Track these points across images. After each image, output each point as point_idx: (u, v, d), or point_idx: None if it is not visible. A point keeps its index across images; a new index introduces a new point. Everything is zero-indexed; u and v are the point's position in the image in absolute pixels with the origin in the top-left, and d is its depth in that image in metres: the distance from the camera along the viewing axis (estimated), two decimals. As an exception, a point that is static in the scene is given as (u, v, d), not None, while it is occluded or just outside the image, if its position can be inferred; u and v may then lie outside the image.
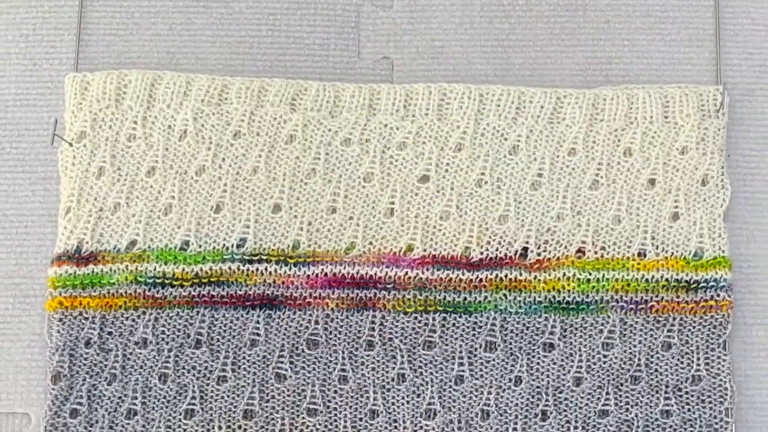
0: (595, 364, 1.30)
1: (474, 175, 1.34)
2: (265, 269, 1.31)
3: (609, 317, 1.31)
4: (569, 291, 1.31)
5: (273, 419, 1.28)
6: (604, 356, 1.30)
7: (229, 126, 1.34)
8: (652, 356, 1.30)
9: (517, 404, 1.29)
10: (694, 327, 1.30)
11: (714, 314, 1.30)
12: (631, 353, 1.30)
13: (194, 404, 1.28)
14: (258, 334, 1.30)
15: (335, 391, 1.29)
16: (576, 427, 1.29)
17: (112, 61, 1.38)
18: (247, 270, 1.31)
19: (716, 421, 1.28)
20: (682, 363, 1.30)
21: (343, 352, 1.30)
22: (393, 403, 1.29)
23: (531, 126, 1.35)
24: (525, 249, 1.33)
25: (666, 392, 1.29)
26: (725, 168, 1.34)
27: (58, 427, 1.27)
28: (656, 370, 1.30)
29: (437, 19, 1.39)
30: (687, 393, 1.29)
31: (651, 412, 1.29)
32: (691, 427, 1.28)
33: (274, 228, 1.33)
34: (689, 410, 1.29)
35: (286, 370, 1.29)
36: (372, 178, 1.34)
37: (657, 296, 1.31)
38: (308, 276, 1.30)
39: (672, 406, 1.29)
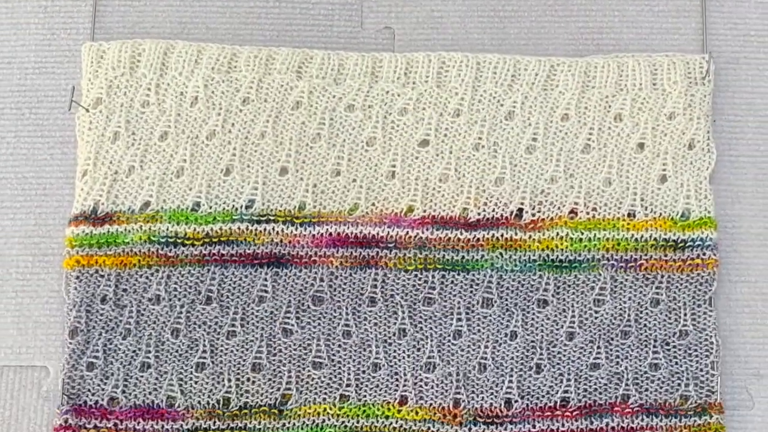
0: (587, 319, 1.26)
1: (471, 139, 1.30)
2: (273, 229, 1.26)
3: (600, 275, 1.27)
4: (562, 250, 1.27)
5: (280, 372, 1.24)
6: (596, 312, 1.26)
7: (238, 92, 1.30)
8: (641, 312, 1.26)
9: (512, 358, 1.25)
10: (681, 284, 1.26)
11: (700, 272, 1.26)
12: (621, 309, 1.26)
13: (205, 357, 1.24)
14: (266, 291, 1.25)
15: (339, 346, 1.25)
16: (569, 380, 1.24)
17: (127, 31, 1.33)
18: (256, 230, 1.26)
19: (702, 374, 1.24)
20: (669, 318, 1.26)
21: (346, 308, 1.26)
22: (394, 357, 1.25)
23: (526, 93, 1.31)
24: (520, 210, 1.29)
25: (654, 346, 1.25)
26: (711, 132, 1.30)
27: (75, 379, 1.23)
28: (645, 325, 1.26)
29: (437, -9, 1.30)
30: (674, 347, 1.25)
31: (640, 365, 1.25)
32: (679, 379, 1.24)
33: (281, 190, 1.28)
34: (676, 363, 1.24)
35: (293, 325, 1.25)
36: (374, 143, 1.30)
37: (646, 255, 1.27)
38: (313, 235, 1.26)
39: (660, 359, 1.25)
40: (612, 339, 1.25)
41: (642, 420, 1.23)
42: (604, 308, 1.26)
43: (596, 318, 1.26)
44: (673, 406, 1.24)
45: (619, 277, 1.27)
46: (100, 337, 1.24)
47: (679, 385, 1.24)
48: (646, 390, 1.24)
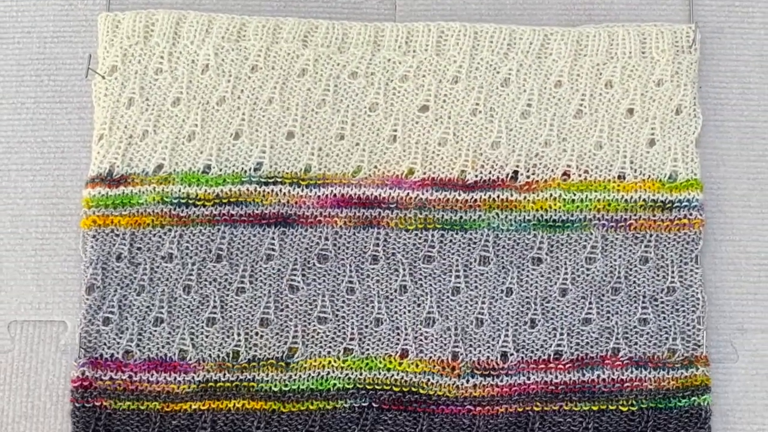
0: (579, 276, 1.22)
1: (469, 105, 1.25)
2: (280, 190, 1.22)
3: (592, 234, 1.22)
4: (556, 210, 1.23)
5: (287, 327, 1.19)
6: (588, 269, 1.22)
7: (247, 60, 1.25)
8: (630, 269, 1.22)
9: (508, 313, 1.21)
10: (669, 243, 1.22)
11: (687, 231, 1.22)
12: (611, 267, 1.22)
13: (215, 313, 1.20)
14: (273, 250, 1.21)
15: (343, 301, 1.20)
16: (562, 334, 1.20)
17: (141, 2, 1.28)
18: (264, 191, 1.22)
19: (689, 328, 1.20)
20: (658, 276, 1.21)
21: (350, 266, 1.21)
22: (396, 312, 1.20)
23: (521, 60, 1.26)
24: (515, 172, 1.24)
25: (643, 302, 1.21)
26: (697, 98, 1.26)
27: (91, 333, 1.19)
28: (634, 282, 1.22)
29: (436, -37, 1.26)
30: (662, 303, 1.21)
31: (630, 320, 1.21)
32: (666, 333, 1.20)
33: (287, 153, 1.24)
34: (664, 318, 1.20)
35: (299, 282, 1.20)
36: (377, 108, 1.25)
37: (635, 215, 1.22)
38: (319, 197, 1.22)
39: (649, 314, 1.21)
40: (603, 295, 1.21)
41: (631, 372, 1.19)
42: (595, 266, 1.22)
43: (588, 275, 1.22)
44: (661, 359, 1.19)
45: (610, 236, 1.22)
46: (116, 294, 1.20)
47: (666, 339, 1.20)
48: (636, 344, 1.20)
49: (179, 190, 1.22)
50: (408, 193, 1.22)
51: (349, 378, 1.18)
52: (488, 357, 1.20)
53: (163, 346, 1.19)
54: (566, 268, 1.22)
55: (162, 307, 1.20)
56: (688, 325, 1.20)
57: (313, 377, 1.18)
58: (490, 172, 1.24)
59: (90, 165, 1.23)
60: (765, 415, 1.20)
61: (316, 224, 1.22)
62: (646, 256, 1.22)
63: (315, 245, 1.21)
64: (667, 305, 1.21)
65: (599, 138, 1.25)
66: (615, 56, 1.26)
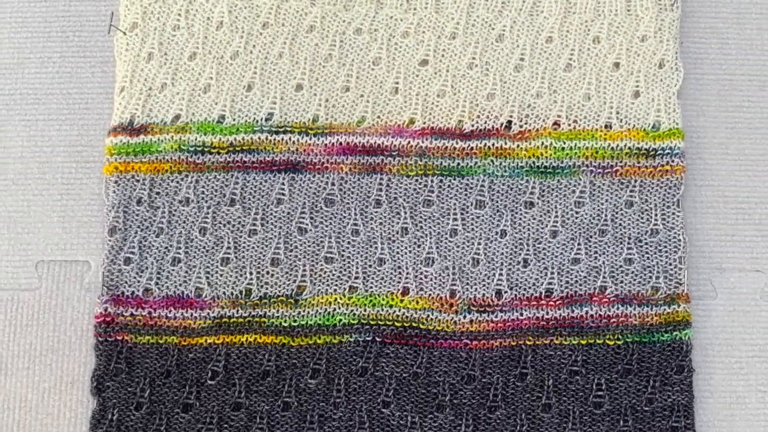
0: (568, 219, 1.14)
1: (466, 59, 1.18)
2: (289, 139, 1.15)
3: (580, 179, 1.15)
4: (547, 157, 1.15)
5: (296, 266, 1.12)
6: (576, 212, 1.15)
7: (258, 18, 1.17)
8: (617, 213, 1.15)
9: (502, 253, 1.14)
10: (652, 188, 1.15)
11: (669, 177, 1.15)
12: (599, 210, 1.14)
13: (229, 253, 1.12)
14: (283, 194, 1.14)
15: (348, 243, 1.13)
16: (552, 273, 1.13)
17: None
18: (274, 140, 1.15)
19: (671, 268, 1.13)
20: (642, 218, 1.14)
21: (355, 209, 1.14)
22: (397, 253, 1.13)
23: (514, 18, 1.18)
24: (509, 122, 1.17)
25: (629, 243, 1.14)
26: (678, 53, 1.18)
27: (113, 272, 1.12)
28: (620, 225, 1.14)
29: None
30: (646, 244, 1.13)
31: (616, 260, 1.13)
32: (650, 272, 1.13)
33: (296, 104, 1.16)
34: (648, 258, 1.13)
35: (307, 224, 1.13)
36: (380, 62, 1.18)
37: (621, 162, 1.15)
38: (326, 145, 1.15)
39: (633, 254, 1.13)
40: (591, 237, 1.14)
41: (617, 309, 1.12)
42: (583, 209, 1.15)
43: (577, 218, 1.14)
44: (645, 296, 1.12)
45: (597, 182, 1.15)
46: (136, 235, 1.13)
47: (650, 277, 1.13)
48: (621, 282, 1.13)
49: (195, 139, 1.15)
50: (409, 142, 1.15)
51: (354, 314, 1.11)
52: (484, 294, 1.13)
53: (180, 284, 1.12)
54: (556, 212, 1.15)
55: (179, 248, 1.13)
56: (670, 264, 1.13)
57: (320, 313, 1.11)
58: (485, 122, 1.17)
59: (112, 115, 1.16)
60: (741, 348, 1.13)
61: (323, 170, 1.15)
62: (631, 200, 1.15)
63: (322, 190, 1.14)
64: (651, 246, 1.14)
65: (587, 90, 1.17)
66: (602, 14, 1.18)
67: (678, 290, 1.13)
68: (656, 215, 1.14)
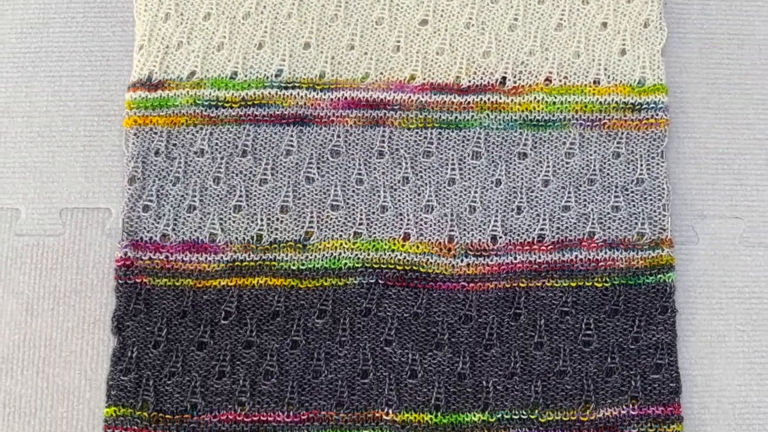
0: (559, 169, 1.06)
1: (463, 19, 1.09)
2: (298, 94, 1.06)
3: (570, 132, 1.06)
4: (539, 111, 1.07)
5: (304, 213, 1.04)
6: (567, 163, 1.06)
7: None
8: (604, 163, 1.06)
9: (497, 201, 1.05)
10: (638, 140, 1.06)
11: (654, 129, 1.06)
12: (588, 160, 1.06)
13: (241, 201, 1.04)
14: (292, 146, 1.06)
15: (353, 191, 1.05)
16: (544, 220, 1.04)
17: None
18: (284, 95, 1.06)
19: (655, 214, 1.04)
20: (628, 168, 1.06)
21: (359, 160, 1.06)
22: (399, 200, 1.05)
23: None
24: (504, 78, 1.08)
25: (616, 192, 1.05)
26: (662, 13, 1.09)
27: (133, 219, 1.04)
28: (608, 174, 1.06)
29: None
30: (632, 192, 1.05)
31: (604, 208, 1.05)
32: (636, 219, 1.04)
33: (304, 61, 1.08)
34: (634, 206, 1.05)
35: (314, 174, 1.05)
36: (382, 22, 1.09)
37: (609, 115, 1.07)
38: (332, 99, 1.06)
39: (620, 202, 1.05)
40: (580, 185, 1.05)
41: (605, 253, 1.04)
42: (573, 160, 1.06)
43: (567, 168, 1.06)
44: (631, 242, 1.04)
45: (586, 134, 1.07)
46: (154, 184, 1.04)
47: (636, 223, 1.05)
48: (609, 228, 1.04)
49: (209, 94, 1.06)
50: (410, 96, 1.07)
51: (358, 258, 1.03)
52: (480, 240, 1.04)
53: (195, 230, 1.04)
54: (548, 162, 1.06)
55: (194, 196, 1.04)
56: (654, 211, 1.05)
57: (326, 257, 1.03)
58: (481, 78, 1.08)
59: (131, 72, 1.07)
60: (722, 290, 1.05)
61: (329, 123, 1.06)
62: (618, 152, 1.06)
63: (328, 142, 1.06)
64: (637, 194, 1.05)
65: (577, 48, 1.09)
66: (591, -24, 1.10)
67: (662, 236, 1.04)
68: (642, 165, 1.06)
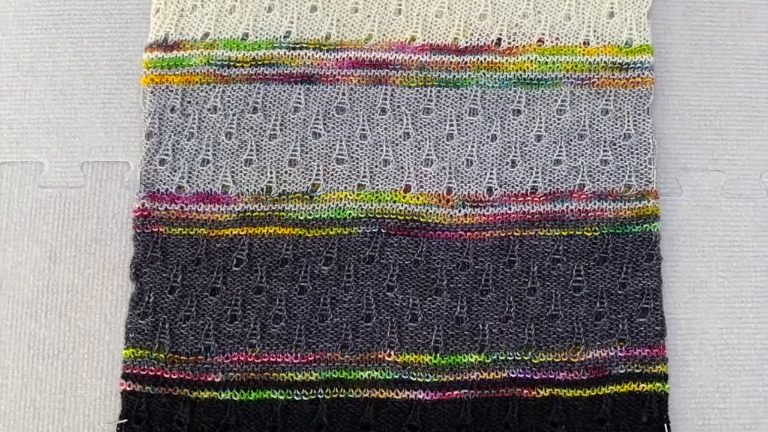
0: (551, 125, 0.96)
1: None
2: (305, 54, 0.96)
3: (561, 90, 0.96)
4: (532, 70, 0.96)
5: (311, 166, 0.94)
6: (558, 119, 0.96)
7: None
8: (594, 119, 0.96)
9: (493, 155, 0.95)
10: (625, 97, 0.96)
11: (640, 88, 0.96)
12: (578, 117, 0.96)
13: (252, 155, 0.94)
14: (299, 103, 0.95)
15: (357, 145, 0.95)
16: (537, 173, 0.94)
17: None
18: (292, 55, 0.96)
19: (642, 168, 0.94)
20: (616, 124, 0.95)
21: (363, 116, 0.95)
22: (400, 155, 0.95)
23: None
24: (499, 39, 0.98)
25: (604, 146, 0.95)
26: None
27: (150, 172, 0.94)
28: (597, 130, 0.96)
29: None
30: (620, 147, 0.95)
31: (593, 161, 0.95)
32: (623, 172, 0.94)
33: (311, 23, 0.98)
34: (622, 159, 0.94)
35: (321, 129, 0.95)
36: None
37: (598, 74, 0.96)
38: (337, 59, 0.96)
39: (609, 156, 0.95)
40: (571, 140, 0.95)
41: (594, 204, 0.94)
42: (564, 116, 0.96)
43: (558, 124, 0.96)
44: (619, 193, 0.94)
45: (577, 92, 0.96)
46: (170, 139, 0.94)
47: (623, 176, 0.94)
48: (598, 180, 0.94)
49: (222, 54, 0.96)
50: (410, 57, 0.96)
51: (362, 208, 0.93)
52: (476, 191, 0.94)
53: (208, 182, 0.94)
54: (541, 118, 0.96)
55: (208, 150, 0.94)
56: (641, 165, 0.95)
57: (332, 208, 0.93)
58: (478, 39, 0.97)
59: (148, 33, 0.97)
60: (704, 239, 0.95)
61: (335, 82, 0.96)
62: (607, 108, 0.96)
63: (334, 99, 0.96)
64: (624, 149, 0.95)
65: (568, 11, 0.98)
66: (581, -57, 1.00)
67: (648, 188, 0.94)
68: (629, 121, 0.96)
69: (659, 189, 0.94)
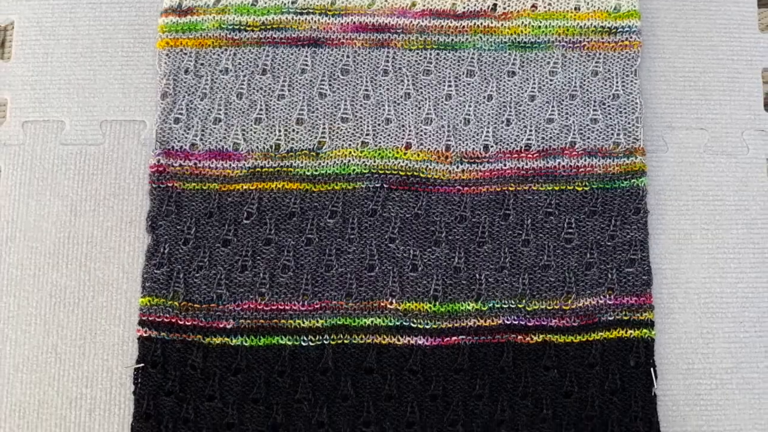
0: (544, 85, 0.83)
1: None
2: (312, 19, 0.83)
3: (554, 53, 0.84)
4: (526, 34, 0.84)
5: (317, 125, 0.81)
6: (551, 80, 0.83)
7: None
8: (584, 80, 0.83)
9: (489, 114, 0.82)
10: (614, 60, 0.83)
11: (628, 51, 0.83)
12: (569, 78, 0.83)
13: (261, 114, 0.82)
14: (306, 65, 0.83)
15: (361, 105, 0.82)
16: (530, 130, 0.82)
17: None
18: (299, 20, 0.83)
19: (629, 126, 0.82)
20: (605, 85, 0.83)
21: (366, 78, 0.83)
22: (401, 114, 0.82)
23: None
24: (494, 4, 0.85)
25: (594, 106, 0.82)
26: None
27: (165, 130, 0.81)
28: (587, 90, 0.83)
29: None
30: (609, 106, 0.82)
31: (583, 120, 0.82)
32: (612, 130, 0.82)
33: None
34: (610, 118, 0.82)
35: (326, 89, 0.82)
36: None
37: (588, 38, 0.84)
38: (342, 24, 0.83)
39: (598, 115, 0.82)
40: (563, 100, 0.83)
41: (585, 160, 0.81)
42: (556, 77, 0.83)
43: (551, 84, 0.83)
44: (608, 150, 0.82)
45: (568, 54, 0.84)
46: (184, 99, 0.82)
47: (612, 134, 0.82)
48: (588, 138, 0.82)
49: (233, 19, 0.83)
50: (411, 21, 0.84)
51: (366, 165, 0.81)
52: (473, 148, 0.82)
53: (220, 140, 0.81)
54: (534, 80, 0.83)
55: (220, 110, 0.82)
56: (628, 123, 0.82)
57: (337, 164, 0.81)
58: (474, 5, 0.85)
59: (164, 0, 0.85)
60: (688, 193, 0.83)
61: (340, 45, 0.83)
62: (596, 70, 0.84)
63: (339, 61, 0.83)
64: (613, 108, 0.83)
65: None
66: None
67: (635, 145, 0.82)
68: (617, 82, 0.83)
69: (646, 146, 0.82)
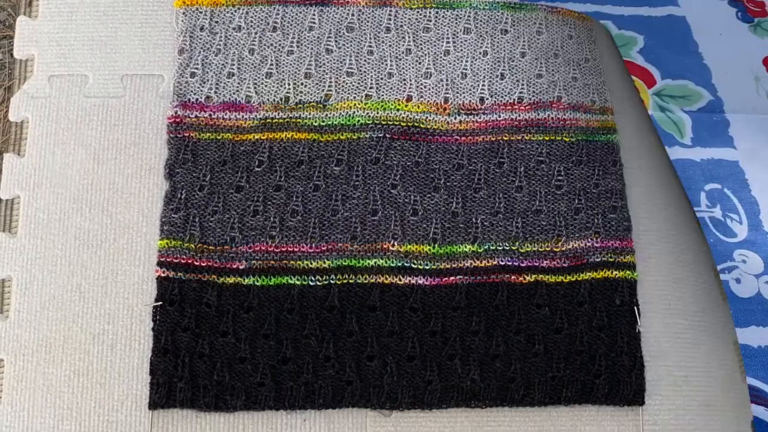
0: (533, 44, 0.62)
1: None
2: None
3: (539, 15, 0.63)
4: None
5: (324, 78, 0.60)
6: (538, 39, 0.63)
7: None
8: (563, 42, 0.63)
9: (484, 69, 0.61)
10: (581, 27, 0.63)
11: (586, 22, 0.63)
12: (552, 38, 0.63)
13: (272, 69, 0.60)
14: (314, 23, 0.62)
15: (365, 60, 0.61)
16: (522, 85, 0.61)
17: None
18: None
19: (600, 87, 0.61)
20: (579, 48, 0.62)
21: (370, 35, 0.62)
22: (402, 68, 0.61)
23: None
24: None
25: (573, 65, 0.62)
26: None
27: (182, 83, 0.60)
28: (566, 51, 0.63)
29: None
30: (583, 67, 0.62)
31: (566, 77, 0.62)
32: (588, 89, 0.61)
33: None
34: (585, 77, 0.61)
35: (332, 45, 0.61)
36: None
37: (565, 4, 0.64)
38: None
39: (577, 74, 0.62)
40: (549, 58, 0.62)
41: (570, 114, 0.61)
42: (542, 37, 0.63)
43: (538, 43, 0.62)
44: (587, 106, 0.61)
45: (549, 18, 0.63)
46: (199, 55, 0.61)
47: (588, 92, 0.62)
48: (571, 94, 0.62)
49: None
50: None
51: (369, 116, 0.60)
52: (470, 101, 0.61)
53: (233, 93, 0.60)
54: (524, 38, 0.63)
55: (233, 65, 0.61)
56: (599, 84, 0.62)
57: (343, 115, 0.60)
58: None
59: None
60: (653, 150, 0.62)
61: (345, 4, 0.62)
62: (571, 34, 0.63)
63: (344, 19, 0.62)
64: (585, 69, 0.62)
65: None
66: None
67: (606, 104, 0.62)
68: (586, 47, 0.63)
69: (615, 106, 0.62)
